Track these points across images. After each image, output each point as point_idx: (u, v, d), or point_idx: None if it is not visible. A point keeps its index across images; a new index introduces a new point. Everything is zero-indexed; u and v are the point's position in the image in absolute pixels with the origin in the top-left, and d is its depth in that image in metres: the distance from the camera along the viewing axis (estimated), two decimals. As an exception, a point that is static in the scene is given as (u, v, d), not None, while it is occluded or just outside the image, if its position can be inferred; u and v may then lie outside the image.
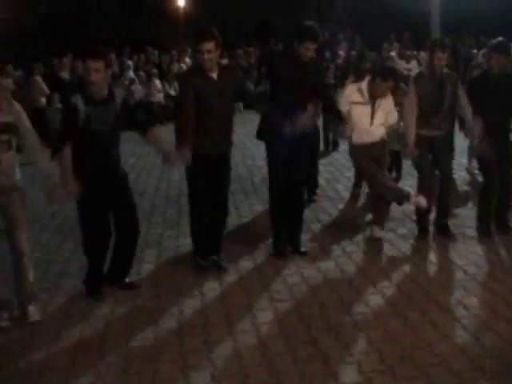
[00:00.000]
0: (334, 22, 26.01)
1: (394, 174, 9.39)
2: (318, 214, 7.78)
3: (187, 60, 20.12)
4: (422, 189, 6.63)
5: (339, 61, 18.43)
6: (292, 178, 6.25)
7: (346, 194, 8.60)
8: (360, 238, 6.86)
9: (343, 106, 6.57)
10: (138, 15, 31.64)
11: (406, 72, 14.33)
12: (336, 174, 10.00)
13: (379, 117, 6.60)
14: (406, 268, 6.02)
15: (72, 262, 6.55)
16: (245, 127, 12.50)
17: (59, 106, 14.06)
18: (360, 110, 6.56)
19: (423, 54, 19.06)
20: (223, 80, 5.81)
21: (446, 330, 4.72)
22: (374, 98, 6.55)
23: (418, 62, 18.32)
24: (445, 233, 6.77)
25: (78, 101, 5.22)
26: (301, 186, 6.50)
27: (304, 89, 6.11)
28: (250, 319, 5.03)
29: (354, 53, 19.11)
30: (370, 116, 6.56)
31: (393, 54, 17.53)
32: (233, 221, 7.44)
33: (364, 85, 6.59)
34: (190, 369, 4.31)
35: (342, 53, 19.61)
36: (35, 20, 29.53)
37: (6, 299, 5.23)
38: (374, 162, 6.60)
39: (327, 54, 19.74)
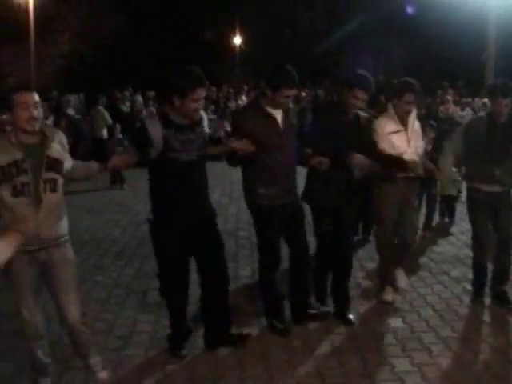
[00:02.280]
0: (389, 67, 26.28)
1: (446, 219, 9.53)
2: (373, 254, 7.95)
3: (244, 98, 20.59)
4: (476, 246, 6.23)
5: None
6: (340, 238, 5.82)
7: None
8: (414, 278, 6.99)
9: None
10: (196, 51, 32.37)
11: (459, 120, 14.37)
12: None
13: (414, 143, 6.03)
14: (459, 309, 6.14)
15: (134, 284, 6.86)
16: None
17: (120, 136, 14.53)
18: (397, 139, 5.95)
19: (477, 101, 19.23)
20: (287, 118, 5.37)
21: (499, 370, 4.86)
22: (403, 121, 5.96)
23: (472, 109, 18.45)
24: (501, 300, 6.15)
25: (154, 126, 4.65)
26: (350, 243, 6.14)
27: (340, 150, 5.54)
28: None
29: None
30: (406, 142, 5.95)
31: (449, 97, 17.60)
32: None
33: (391, 111, 5.97)
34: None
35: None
36: (95, 52, 30.31)
37: (43, 364, 4.57)
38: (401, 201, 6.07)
39: (382, 98, 19.98)
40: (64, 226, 4.38)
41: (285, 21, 36.44)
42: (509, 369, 4.92)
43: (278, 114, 5.29)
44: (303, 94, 23.04)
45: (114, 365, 4.98)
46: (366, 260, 7.63)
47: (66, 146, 4.46)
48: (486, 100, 19.53)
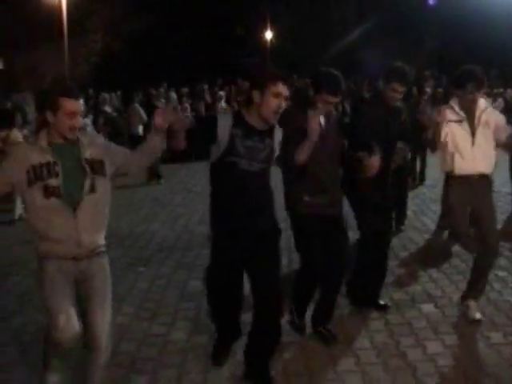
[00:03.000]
0: (423, 58, 26.24)
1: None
2: (405, 243, 8.17)
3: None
4: None
5: (425, 97, 18.69)
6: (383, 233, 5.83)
7: (433, 226, 8.89)
8: (446, 266, 7.17)
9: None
10: (228, 47, 32.61)
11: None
12: (422, 207, 10.33)
13: (481, 137, 5.52)
14: (490, 295, 6.29)
15: (175, 275, 7.14)
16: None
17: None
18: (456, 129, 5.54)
19: (510, 91, 19.20)
20: (329, 123, 5.13)
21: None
22: (468, 111, 5.54)
23: (505, 100, 18.43)
24: None
25: (224, 120, 4.35)
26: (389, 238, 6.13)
27: (389, 142, 5.58)
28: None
29: (440, 90, 19.36)
30: (470, 135, 5.52)
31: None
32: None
33: (454, 101, 5.59)
34: None
35: (428, 90, 19.83)
36: (128, 50, 30.62)
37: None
38: (474, 209, 5.64)
39: (414, 91, 20.02)
40: (103, 234, 4.12)
41: (316, 15, 36.51)
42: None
43: (321, 119, 4.98)
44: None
45: (159, 349, 5.25)
46: (398, 249, 7.81)
47: (105, 143, 4.22)
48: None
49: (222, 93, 19.70)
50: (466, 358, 4.98)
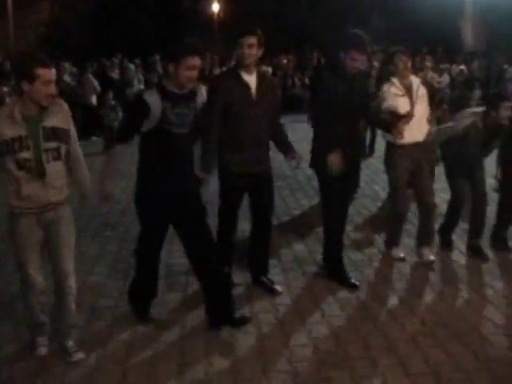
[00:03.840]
0: (370, 34, 26.71)
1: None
2: (359, 210, 8.62)
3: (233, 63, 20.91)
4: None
5: (374, 72, 19.17)
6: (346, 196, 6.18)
7: (383, 194, 9.35)
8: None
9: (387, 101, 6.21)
10: (175, 20, 32.40)
11: (437, 85, 15.00)
12: (373, 177, 10.79)
13: (419, 109, 6.31)
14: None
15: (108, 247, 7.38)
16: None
17: (113, 103, 14.94)
18: (400, 102, 6.26)
19: (455, 67, 19.86)
20: (261, 88, 5.46)
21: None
22: (406, 86, 6.28)
23: (450, 75, 19.07)
24: (476, 254, 6.70)
25: (153, 97, 4.64)
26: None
27: (354, 108, 5.84)
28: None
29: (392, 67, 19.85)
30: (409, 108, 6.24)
31: (428, 64, 18.12)
32: (282, 213, 8.32)
33: (394, 79, 6.28)
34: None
35: (376, 64, 20.30)
36: (77, 21, 30.32)
37: (41, 323, 4.75)
38: (412, 172, 6.45)
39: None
40: (66, 189, 4.56)
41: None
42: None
43: (253, 82, 5.40)
44: (284, 60, 23.41)
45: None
46: (353, 215, 8.16)
47: (70, 119, 4.54)
48: (462, 67, 20.24)
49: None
50: (420, 307, 5.49)
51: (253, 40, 5.29)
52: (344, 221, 6.25)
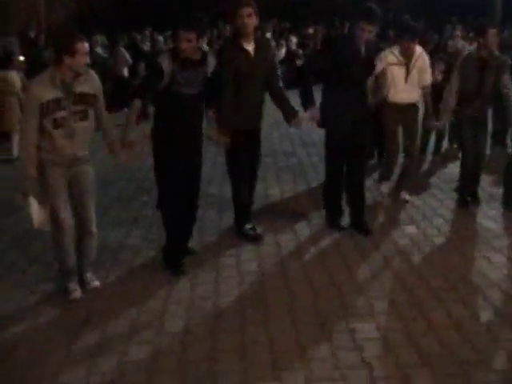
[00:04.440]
0: (399, 4, 26.53)
1: (455, 145, 10.21)
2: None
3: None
4: (464, 156, 7.40)
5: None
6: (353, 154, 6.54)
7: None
8: (425, 194, 7.89)
9: (379, 67, 6.75)
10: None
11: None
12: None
13: (413, 76, 7.23)
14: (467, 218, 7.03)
15: (143, 211, 7.58)
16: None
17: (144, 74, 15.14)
18: (395, 70, 7.20)
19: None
20: (259, 53, 6.01)
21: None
22: (407, 58, 7.17)
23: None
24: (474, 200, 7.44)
25: (165, 61, 5.30)
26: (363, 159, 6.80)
27: (357, 75, 6.29)
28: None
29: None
30: (404, 76, 7.21)
31: (458, 33, 18.10)
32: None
33: (395, 47, 7.23)
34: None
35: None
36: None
37: (72, 268, 5.33)
38: (404, 125, 7.47)
39: (391, 34, 20.41)
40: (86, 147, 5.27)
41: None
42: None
43: (251, 49, 5.97)
44: (310, 30, 23.35)
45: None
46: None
47: (98, 86, 5.21)
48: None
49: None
50: (443, 266, 5.68)
51: (250, 10, 5.85)
52: (341, 178, 6.70)
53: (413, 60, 7.19)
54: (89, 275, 5.45)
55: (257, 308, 4.97)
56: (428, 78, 7.41)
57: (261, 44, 6.10)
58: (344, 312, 4.85)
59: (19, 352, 4.43)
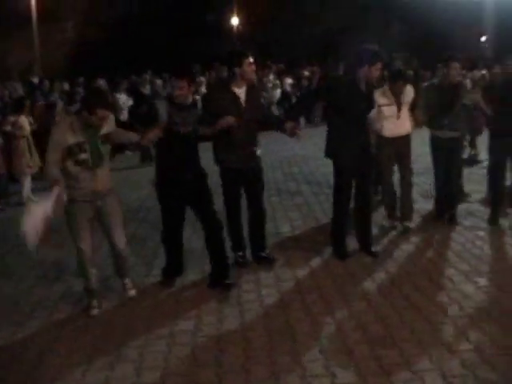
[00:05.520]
0: (390, 41, 27.11)
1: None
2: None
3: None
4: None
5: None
6: (361, 187, 7.04)
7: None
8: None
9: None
10: (200, 34, 32.90)
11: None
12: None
13: (404, 111, 7.86)
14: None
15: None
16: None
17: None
18: (386, 109, 7.79)
19: (476, 73, 20.23)
20: (250, 98, 6.53)
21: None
22: (397, 97, 7.80)
23: (471, 79, 19.41)
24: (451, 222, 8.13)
25: (162, 105, 5.99)
26: (369, 191, 7.26)
27: (362, 114, 6.89)
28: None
29: (410, 72, 20.25)
30: (396, 113, 7.81)
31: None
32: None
33: (386, 88, 7.79)
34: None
35: (396, 71, 20.68)
36: (102, 36, 30.84)
37: (92, 289, 5.97)
38: (396, 155, 7.94)
39: (385, 73, 20.81)
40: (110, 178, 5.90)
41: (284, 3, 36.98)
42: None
43: (242, 93, 6.49)
44: (306, 73, 23.78)
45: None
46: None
47: (112, 119, 5.83)
48: (484, 72, 20.58)
49: (202, 78, 20.37)
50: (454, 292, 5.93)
51: (252, 59, 6.46)
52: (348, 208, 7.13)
53: (402, 97, 7.85)
54: (126, 281, 6.30)
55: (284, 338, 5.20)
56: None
57: (250, 88, 6.57)
58: (368, 340, 5.09)
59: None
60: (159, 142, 6.01)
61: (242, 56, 6.48)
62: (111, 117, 5.76)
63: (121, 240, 6.03)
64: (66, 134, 5.49)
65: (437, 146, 8.14)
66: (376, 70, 6.67)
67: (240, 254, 7.04)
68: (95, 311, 5.90)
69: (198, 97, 15.32)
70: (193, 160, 6.27)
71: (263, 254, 7.04)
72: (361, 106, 6.76)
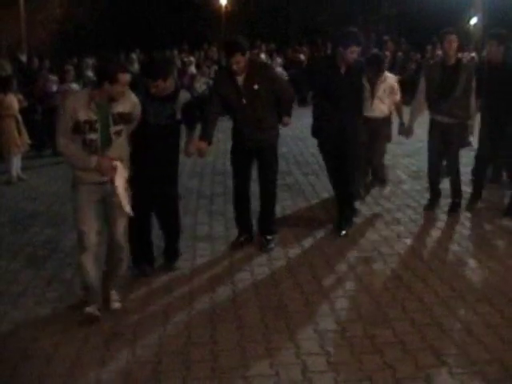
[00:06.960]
0: (381, 23, 27.15)
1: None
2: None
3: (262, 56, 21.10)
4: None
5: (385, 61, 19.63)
6: (344, 165, 7.20)
7: (405, 177, 9.87)
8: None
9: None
10: (185, 14, 32.76)
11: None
12: (393, 161, 11.24)
13: (379, 95, 8.26)
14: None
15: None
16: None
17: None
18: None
19: (466, 54, 20.27)
20: (250, 80, 6.45)
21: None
22: (372, 82, 8.18)
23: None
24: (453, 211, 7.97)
25: (138, 95, 5.52)
26: (351, 167, 7.33)
27: (344, 96, 6.95)
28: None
29: (400, 54, 20.31)
30: (370, 97, 8.15)
31: (439, 52, 18.58)
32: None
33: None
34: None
35: (388, 53, 20.79)
36: (88, 17, 30.71)
37: (93, 288, 5.38)
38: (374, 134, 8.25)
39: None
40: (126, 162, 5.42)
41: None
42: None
43: (240, 79, 6.46)
44: (302, 56, 23.67)
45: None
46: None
47: (133, 103, 5.36)
48: (473, 54, 20.65)
49: (192, 58, 20.27)
50: (449, 275, 5.98)
51: (239, 57, 6.30)
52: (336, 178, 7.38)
53: (378, 84, 8.29)
54: (113, 292, 5.59)
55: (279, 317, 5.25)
56: (397, 97, 8.49)
57: (252, 72, 6.48)
58: (361, 319, 5.14)
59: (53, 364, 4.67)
60: (133, 134, 5.69)
61: (228, 54, 6.44)
62: (128, 94, 5.24)
63: (122, 230, 5.43)
64: (78, 109, 5.00)
65: (433, 130, 7.86)
66: (351, 53, 6.75)
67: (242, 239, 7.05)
68: (97, 312, 5.34)
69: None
70: (163, 153, 6.05)
71: (267, 237, 6.97)
72: (340, 87, 6.88)
